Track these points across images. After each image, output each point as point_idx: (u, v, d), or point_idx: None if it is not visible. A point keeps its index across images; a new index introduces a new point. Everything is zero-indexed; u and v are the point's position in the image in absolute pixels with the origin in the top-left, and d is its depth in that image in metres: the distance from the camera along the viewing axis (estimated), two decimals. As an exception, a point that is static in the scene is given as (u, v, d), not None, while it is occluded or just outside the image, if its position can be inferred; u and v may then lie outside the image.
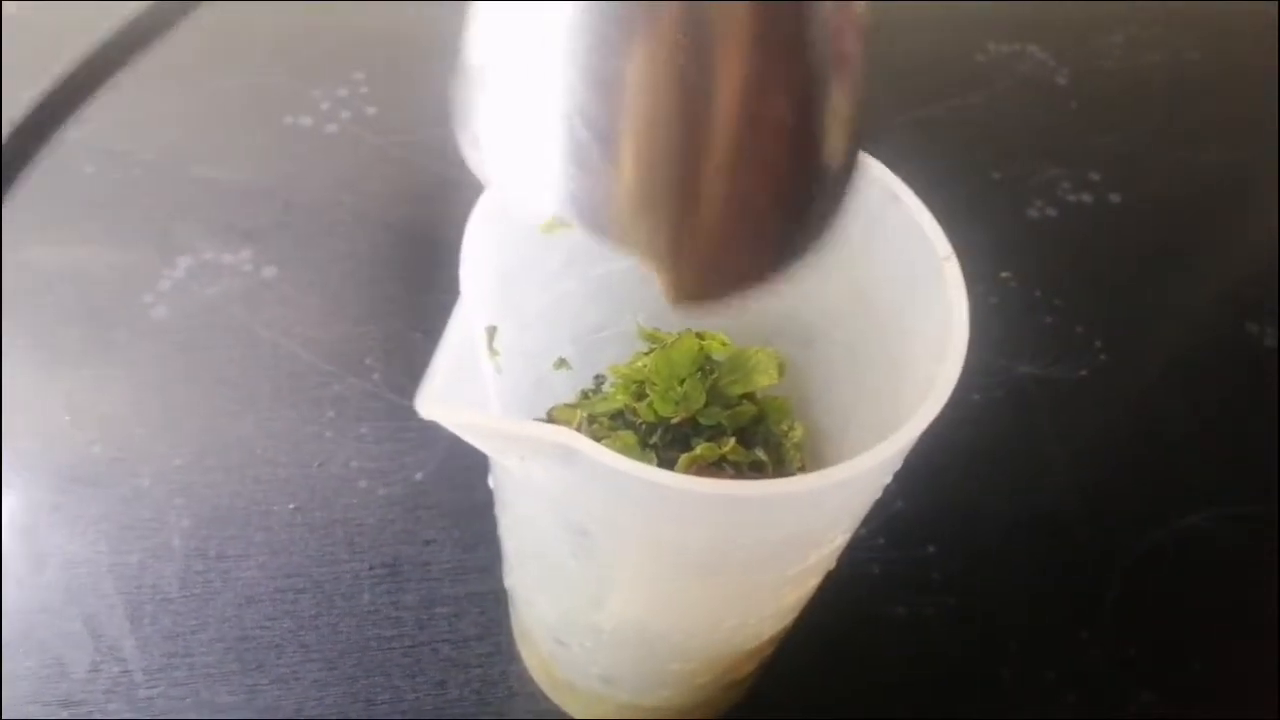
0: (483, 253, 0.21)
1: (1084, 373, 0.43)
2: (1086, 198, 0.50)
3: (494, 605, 0.34)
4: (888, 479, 0.21)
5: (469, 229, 0.21)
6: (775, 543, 0.21)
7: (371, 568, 0.35)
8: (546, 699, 0.33)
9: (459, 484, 0.37)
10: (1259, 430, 0.43)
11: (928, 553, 0.37)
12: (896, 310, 0.24)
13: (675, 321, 0.27)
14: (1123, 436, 0.42)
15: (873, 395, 0.26)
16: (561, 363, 0.28)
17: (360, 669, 0.33)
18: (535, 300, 0.25)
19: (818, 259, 0.23)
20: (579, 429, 0.31)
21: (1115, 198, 0.50)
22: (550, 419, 0.31)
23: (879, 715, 0.34)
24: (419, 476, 0.37)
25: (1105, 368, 0.44)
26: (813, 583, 0.25)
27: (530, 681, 0.33)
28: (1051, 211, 0.49)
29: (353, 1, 0.54)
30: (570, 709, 0.32)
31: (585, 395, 0.28)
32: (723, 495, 0.18)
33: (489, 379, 0.21)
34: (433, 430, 0.38)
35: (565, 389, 0.28)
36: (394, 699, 0.32)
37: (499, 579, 0.35)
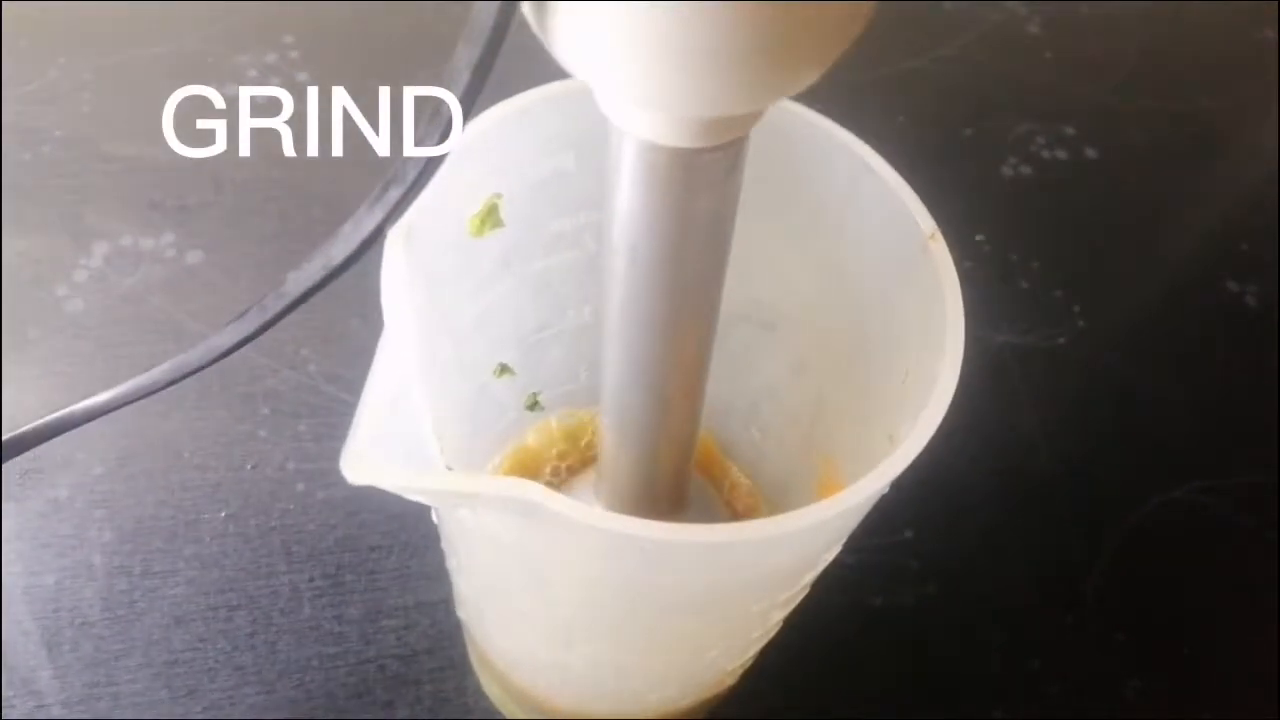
0: (406, 273, 0.18)
1: (1062, 340, 0.41)
2: (1062, 154, 0.48)
3: (445, 615, 0.32)
4: (886, 489, 0.19)
5: (386, 252, 0.18)
6: (765, 576, 0.19)
7: (312, 579, 0.32)
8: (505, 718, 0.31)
9: (405, 483, 0.34)
10: (1245, 396, 0.41)
11: (905, 538, 0.35)
12: (876, 291, 0.22)
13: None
14: (1104, 407, 0.41)
15: (849, 382, 0.24)
16: (503, 369, 0.25)
17: (301, 691, 0.30)
18: (469, 309, 0.23)
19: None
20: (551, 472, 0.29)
21: (1092, 153, 0.48)
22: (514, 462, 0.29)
23: (859, 714, 0.32)
24: (361, 477, 0.34)
25: (1084, 334, 0.42)
26: (802, 596, 0.23)
27: (485, 697, 0.31)
28: (1026, 169, 0.47)
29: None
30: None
31: (531, 406, 0.26)
32: (703, 544, 0.16)
33: (422, 408, 0.19)
34: (373, 428, 0.36)
35: (509, 397, 0.26)
36: (339, 721, 0.30)
37: (448, 585, 0.33)
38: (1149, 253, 0.45)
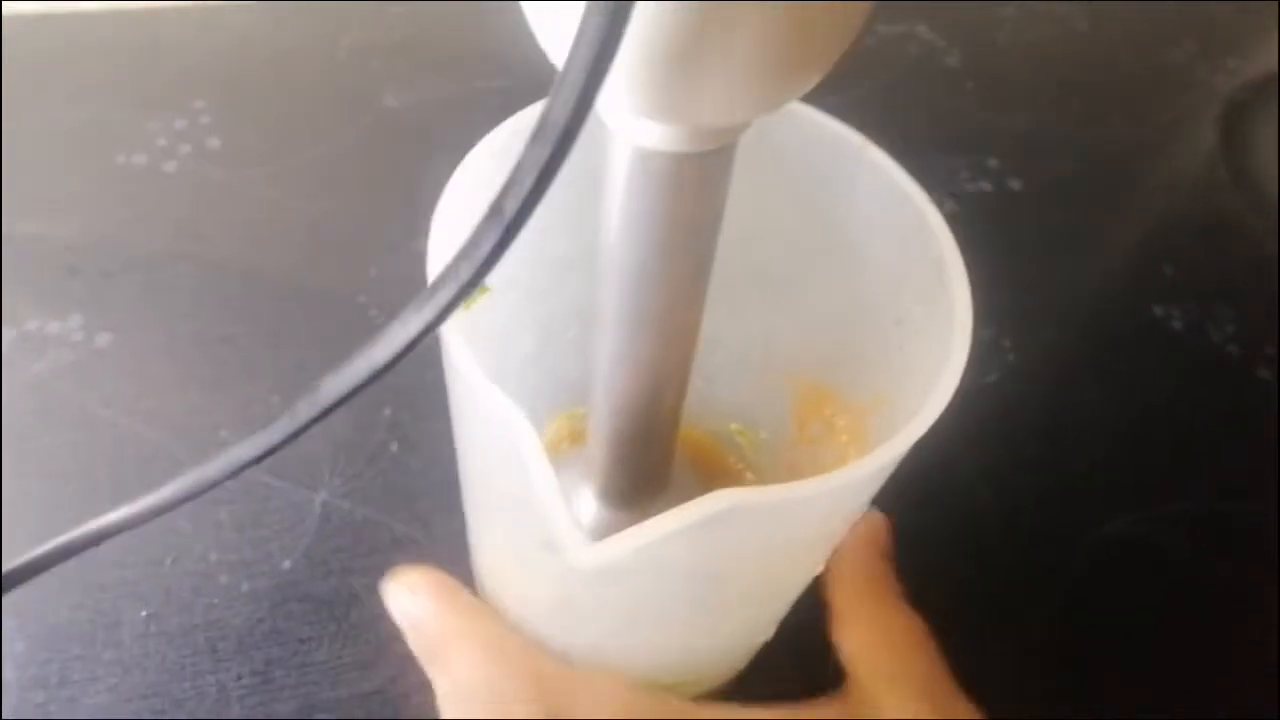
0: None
1: (993, 377, 0.41)
2: (986, 186, 0.48)
3: (381, 706, 0.31)
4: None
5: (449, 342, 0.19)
6: (852, 514, 0.22)
7: (240, 677, 0.31)
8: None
9: (332, 568, 0.33)
10: (1180, 421, 0.41)
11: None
12: (873, 252, 0.24)
13: None
14: (1038, 442, 0.41)
15: (845, 334, 0.25)
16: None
17: (231, 800, 0.29)
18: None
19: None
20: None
21: (1015, 184, 0.48)
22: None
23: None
24: (286, 565, 0.33)
25: (1015, 369, 0.42)
26: None
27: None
28: (950, 204, 0.47)
29: (186, 9, 0.49)
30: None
31: None
32: (868, 473, 0.19)
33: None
34: (298, 508, 0.35)
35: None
36: (272, 828, 0.29)
37: (383, 673, 0.32)
38: (1075, 282, 0.46)
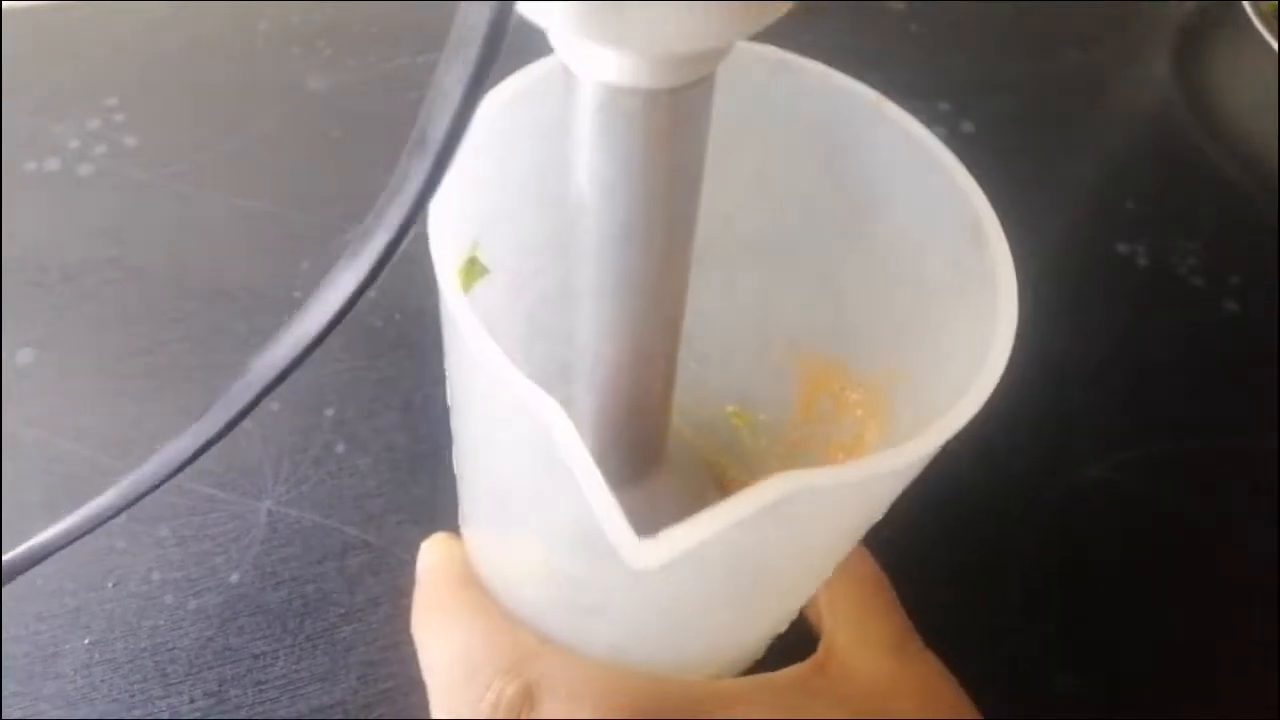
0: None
1: (960, 327, 0.40)
2: (939, 130, 0.46)
3: (343, 718, 0.30)
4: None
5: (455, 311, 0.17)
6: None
7: (193, 700, 0.30)
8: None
9: (283, 578, 0.32)
10: (1150, 362, 0.40)
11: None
12: (889, 213, 0.22)
13: None
14: (1003, 386, 0.40)
15: (856, 302, 0.24)
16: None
17: (189, 831, 0.28)
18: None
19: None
20: None
21: (968, 126, 0.47)
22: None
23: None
24: (234, 578, 0.32)
25: (981, 317, 0.41)
26: None
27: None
28: (905, 152, 0.45)
29: (93, 6, 0.47)
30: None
31: None
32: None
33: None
34: (243, 519, 0.33)
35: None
36: None
37: (344, 685, 0.31)
38: (1037, 223, 0.45)
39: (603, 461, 0.22)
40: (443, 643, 0.24)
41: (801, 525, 0.17)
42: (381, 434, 0.35)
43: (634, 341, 0.19)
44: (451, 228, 0.17)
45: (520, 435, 0.17)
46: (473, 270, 0.21)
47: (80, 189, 0.40)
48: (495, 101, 0.19)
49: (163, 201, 0.40)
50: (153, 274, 0.38)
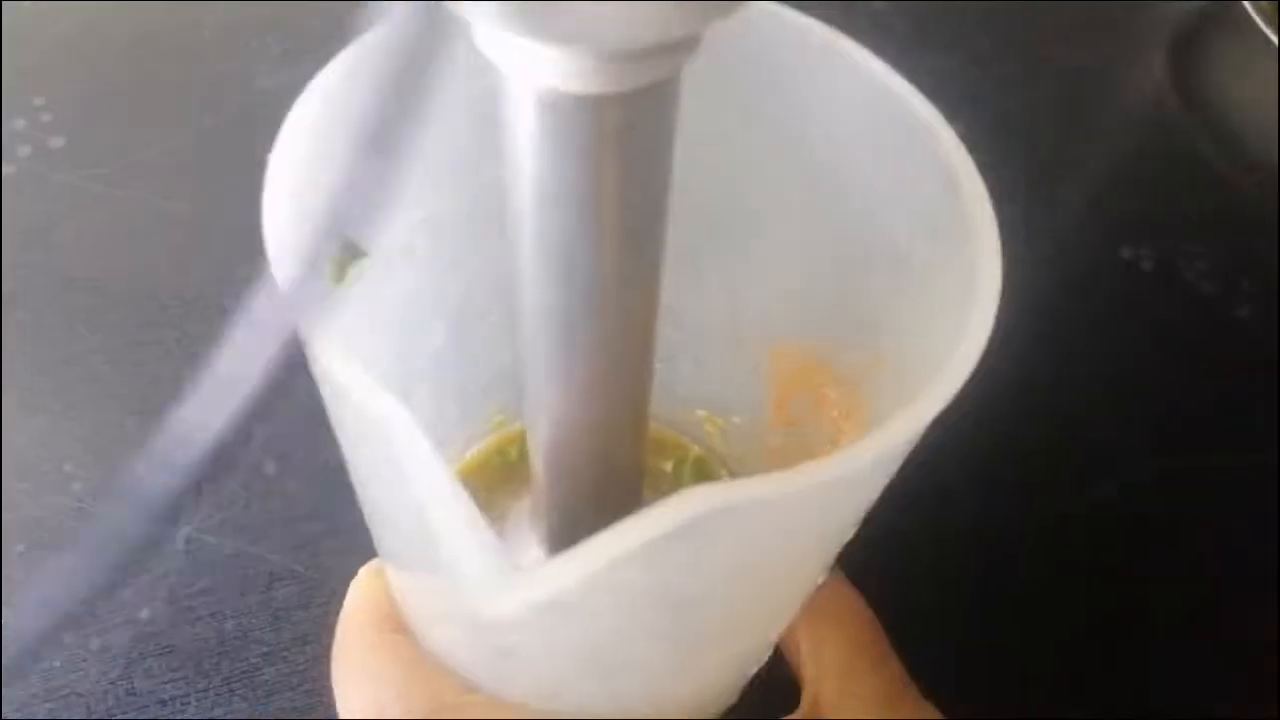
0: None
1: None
2: (927, 132, 0.44)
3: (261, 770, 0.26)
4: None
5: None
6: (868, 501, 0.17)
7: (89, 753, 0.26)
8: None
9: (200, 613, 0.28)
10: (1159, 373, 0.37)
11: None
12: (858, 177, 0.19)
13: None
14: (1005, 400, 0.36)
15: (829, 284, 0.21)
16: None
17: None
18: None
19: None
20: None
21: (957, 128, 0.44)
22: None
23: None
24: (144, 614, 0.28)
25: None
26: None
27: None
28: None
29: (30, 6, 0.44)
30: None
31: None
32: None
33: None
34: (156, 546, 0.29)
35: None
36: None
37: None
38: (1036, 230, 0.42)
39: (561, 524, 0.19)
40: (355, 693, 0.21)
41: (731, 550, 0.14)
42: (318, 452, 0.32)
43: (588, 395, 0.16)
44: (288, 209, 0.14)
45: (376, 448, 0.14)
46: (345, 260, 0.17)
47: (2, 190, 0.37)
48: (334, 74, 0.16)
49: (89, 204, 0.37)
50: (73, 280, 0.35)
